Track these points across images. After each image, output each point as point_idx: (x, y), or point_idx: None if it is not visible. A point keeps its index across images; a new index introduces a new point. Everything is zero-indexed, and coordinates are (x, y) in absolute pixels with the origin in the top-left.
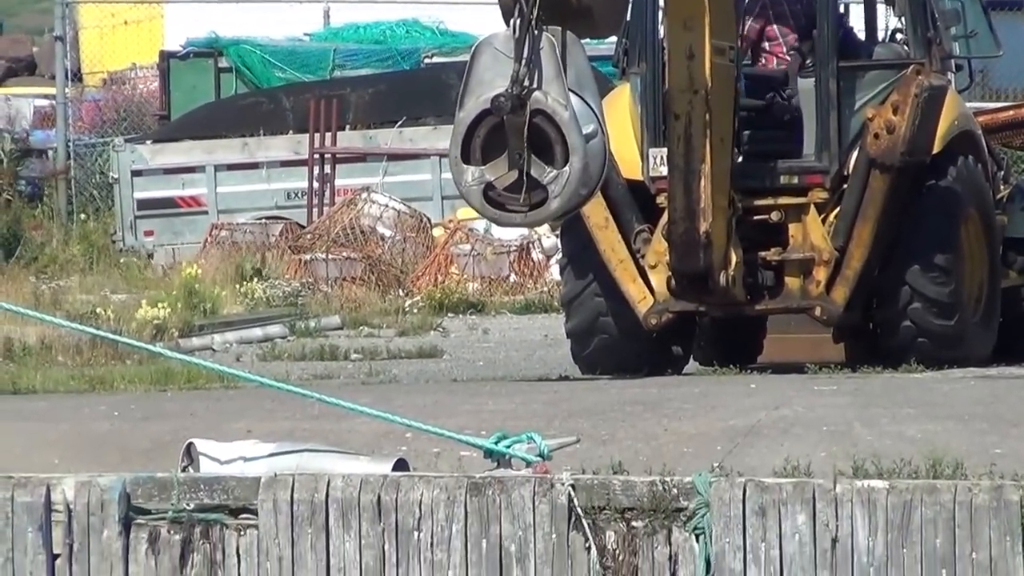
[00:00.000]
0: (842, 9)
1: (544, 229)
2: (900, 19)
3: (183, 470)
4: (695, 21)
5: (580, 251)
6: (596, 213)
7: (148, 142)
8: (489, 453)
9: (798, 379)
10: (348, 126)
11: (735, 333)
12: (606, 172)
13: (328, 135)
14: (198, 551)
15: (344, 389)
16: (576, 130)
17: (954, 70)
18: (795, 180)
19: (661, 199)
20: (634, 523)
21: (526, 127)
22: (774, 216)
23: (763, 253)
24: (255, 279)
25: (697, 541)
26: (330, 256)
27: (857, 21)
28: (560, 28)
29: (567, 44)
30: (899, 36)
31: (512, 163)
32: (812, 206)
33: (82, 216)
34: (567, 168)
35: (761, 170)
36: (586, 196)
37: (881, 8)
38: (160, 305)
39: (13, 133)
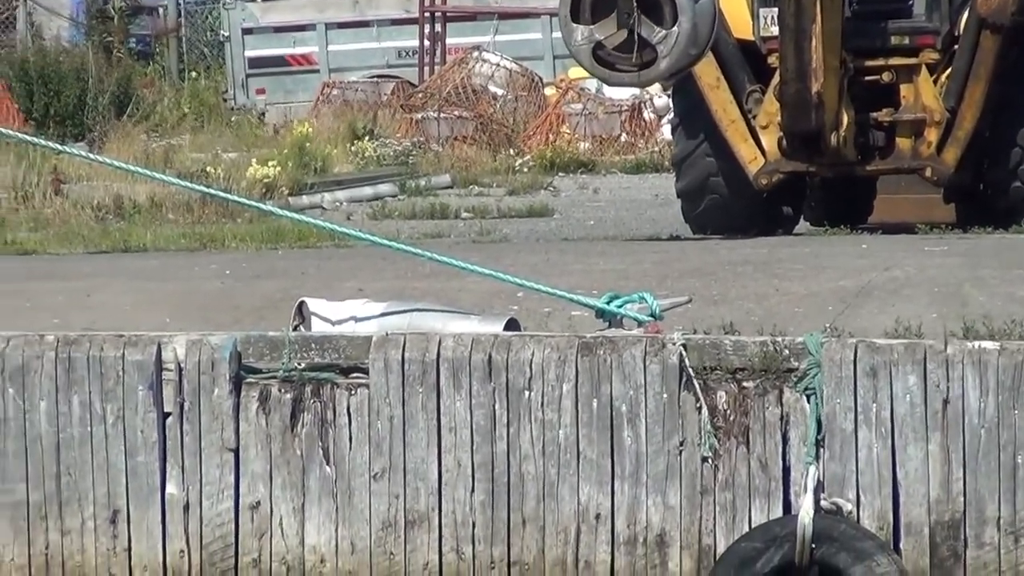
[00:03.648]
0: None
1: (656, 89)
2: None
3: (294, 329)
4: None
5: (692, 111)
6: (708, 73)
7: (258, 0)
8: (600, 313)
9: (908, 240)
10: None
11: (845, 193)
12: (716, 31)
13: None
14: (309, 410)
15: (455, 248)
16: None
17: None
18: (906, 41)
19: (772, 59)
20: (745, 383)
21: None
22: (885, 77)
23: (874, 114)
24: (366, 138)
25: (808, 402)
26: (441, 115)
27: None
28: None
29: None
30: None
31: (621, 22)
32: (923, 67)
33: (193, 74)
34: (676, 28)
35: (872, 31)
36: (695, 56)
37: None
38: (271, 163)
39: None
